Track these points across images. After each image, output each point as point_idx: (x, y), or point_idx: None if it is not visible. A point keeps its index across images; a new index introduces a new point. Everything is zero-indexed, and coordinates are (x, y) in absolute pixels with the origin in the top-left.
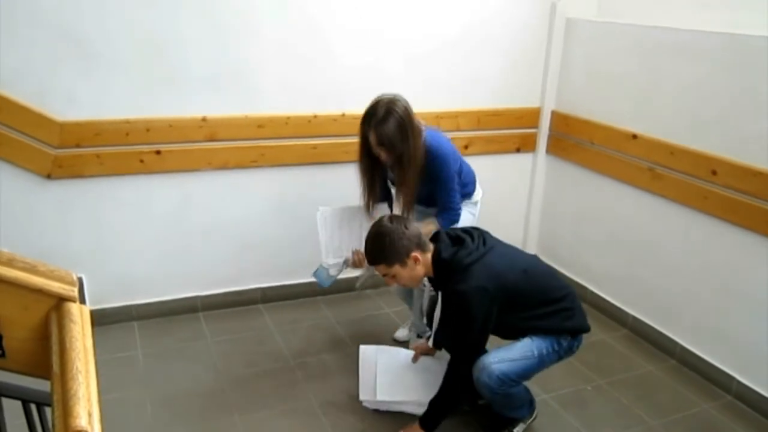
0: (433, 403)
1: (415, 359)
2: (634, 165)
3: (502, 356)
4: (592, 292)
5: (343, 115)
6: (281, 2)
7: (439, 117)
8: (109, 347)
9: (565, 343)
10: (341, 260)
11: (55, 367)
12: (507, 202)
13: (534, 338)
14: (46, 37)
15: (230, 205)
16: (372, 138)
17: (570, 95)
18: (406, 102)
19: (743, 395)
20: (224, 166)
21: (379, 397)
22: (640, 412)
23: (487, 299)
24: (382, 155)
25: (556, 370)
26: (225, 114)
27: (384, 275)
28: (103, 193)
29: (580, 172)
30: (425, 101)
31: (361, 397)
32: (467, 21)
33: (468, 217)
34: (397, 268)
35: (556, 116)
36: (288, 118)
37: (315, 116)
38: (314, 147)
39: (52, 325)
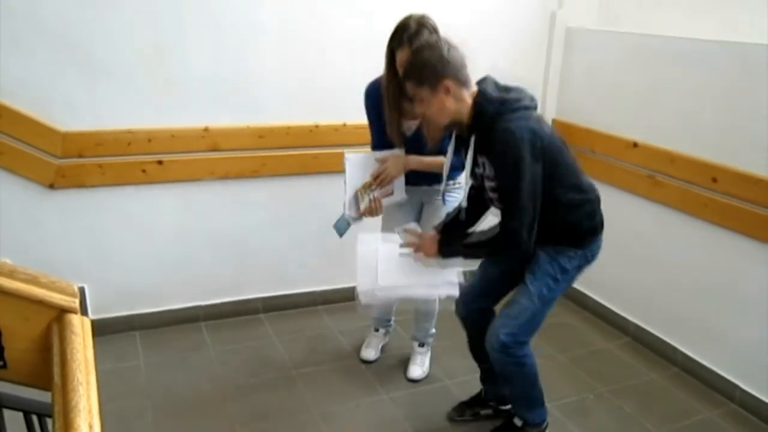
0: (469, 242)
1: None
2: (634, 173)
3: (503, 319)
4: (593, 300)
5: (344, 125)
6: (282, 14)
7: None
8: (111, 357)
9: (576, 260)
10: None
11: (56, 379)
12: None
13: (533, 279)
14: (48, 47)
15: (232, 215)
16: (405, 56)
17: (570, 104)
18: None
19: (746, 403)
20: (226, 176)
21: (381, 283)
22: (643, 420)
23: (538, 142)
24: None
25: (559, 378)
26: (227, 124)
27: (412, 97)
28: (105, 203)
29: None
30: None
31: (360, 288)
32: (466, 31)
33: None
34: (425, 92)
35: (557, 125)
36: (289, 128)
37: (316, 126)
38: (315, 157)
39: (54, 337)
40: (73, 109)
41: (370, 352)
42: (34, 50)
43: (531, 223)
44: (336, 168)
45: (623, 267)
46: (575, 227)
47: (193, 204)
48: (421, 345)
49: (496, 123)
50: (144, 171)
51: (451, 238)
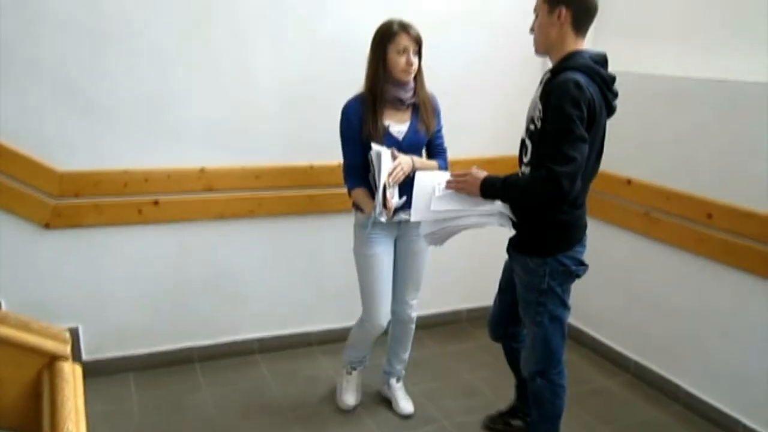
0: (510, 178)
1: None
2: (629, 210)
3: (525, 355)
4: (592, 338)
5: (340, 165)
6: (279, 55)
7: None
8: (105, 398)
9: (547, 277)
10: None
11: (47, 427)
12: (504, 246)
13: (523, 313)
14: (48, 88)
15: (227, 255)
16: (411, 40)
17: None
18: None
19: None
20: (221, 217)
21: (434, 207)
22: None
23: (596, 116)
24: (415, 61)
25: None
26: (223, 165)
27: (534, 10)
28: (100, 243)
29: None
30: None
31: (413, 218)
32: (458, 69)
33: None
34: (544, 8)
35: None
36: (285, 168)
37: (312, 166)
38: (311, 197)
39: (44, 384)
40: (71, 149)
41: (350, 398)
42: (34, 91)
43: (573, 173)
44: (332, 207)
45: (621, 304)
46: (543, 233)
47: (188, 244)
48: (398, 380)
49: (572, 74)
50: (140, 211)
51: (492, 176)
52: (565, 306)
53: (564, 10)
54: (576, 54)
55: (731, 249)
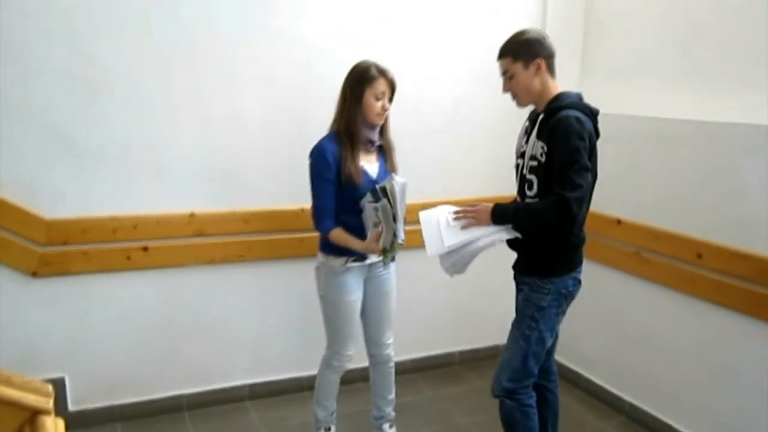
0: (519, 205)
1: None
2: (619, 250)
3: (499, 369)
4: (586, 378)
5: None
6: (269, 100)
7: (426, 207)
8: None
9: (549, 295)
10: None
11: None
12: (496, 289)
13: (516, 324)
14: (36, 136)
15: (217, 300)
16: (388, 86)
17: None
18: None
19: None
20: (211, 262)
21: (447, 243)
22: None
23: (592, 149)
24: (387, 105)
25: None
26: (212, 209)
27: (504, 73)
28: (88, 291)
29: None
30: (413, 192)
31: (429, 254)
32: (450, 112)
33: None
34: (518, 67)
35: None
36: (274, 212)
37: (302, 210)
38: (301, 240)
39: None
40: (60, 196)
41: None
42: (22, 139)
43: (581, 198)
44: None
45: (614, 344)
46: (555, 254)
47: (178, 290)
48: (391, 425)
49: (569, 111)
50: (129, 257)
51: (503, 204)
52: (552, 331)
53: (540, 61)
54: (563, 95)
55: (723, 289)
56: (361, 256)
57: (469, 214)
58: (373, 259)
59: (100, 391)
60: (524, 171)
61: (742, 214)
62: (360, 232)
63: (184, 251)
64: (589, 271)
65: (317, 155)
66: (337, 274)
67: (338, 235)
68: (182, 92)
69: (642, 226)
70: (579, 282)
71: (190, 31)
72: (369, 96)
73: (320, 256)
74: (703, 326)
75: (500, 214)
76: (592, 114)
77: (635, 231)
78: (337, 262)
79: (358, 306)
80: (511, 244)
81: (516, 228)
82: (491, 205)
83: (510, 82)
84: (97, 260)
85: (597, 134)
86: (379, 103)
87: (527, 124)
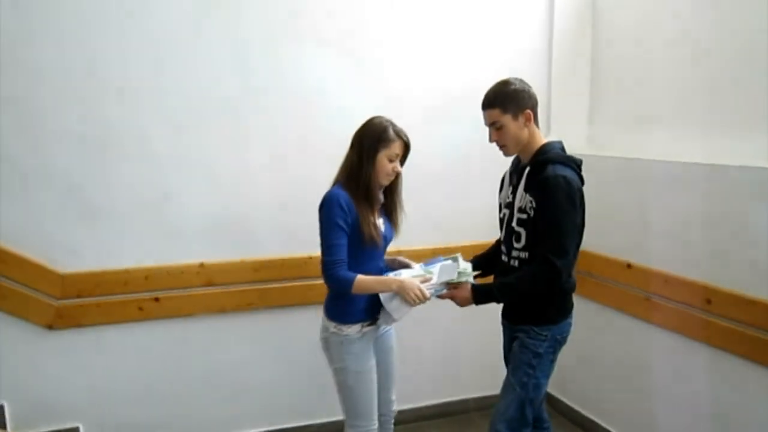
0: (500, 281)
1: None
2: (630, 294)
3: (496, 415)
4: (595, 423)
5: None
6: (274, 151)
7: (436, 252)
8: None
9: (546, 342)
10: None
11: None
12: None
13: (512, 371)
14: (50, 193)
15: (228, 349)
16: (402, 148)
17: None
18: None
19: None
20: (222, 311)
21: (397, 317)
22: None
23: (578, 199)
24: (399, 168)
25: None
26: (222, 259)
27: (491, 124)
28: (102, 342)
29: (580, 303)
30: (421, 237)
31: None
32: (453, 156)
33: None
34: (507, 119)
35: None
36: (284, 260)
37: (310, 257)
38: (311, 288)
39: None
40: (74, 251)
41: None
42: (38, 197)
43: (570, 264)
44: None
45: (623, 389)
46: (550, 301)
47: (189, 339)
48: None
49: (555, 168)
50: (141, 309)
51: (483, 285)
52: (548, 378)
53: (528, 112)
54: (548, 146)
55: (733, 336)
56: (374, 320)
57: (446, 297)
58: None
59: None
60: (512, 223)
61: (753, 260)
62: (371, 298)
63: (194, 301)
64: (600, 315)
65: (330, 203)
66: (353, 342)
67: (365, 282)
68: (191, 149)
69: (652, 270)
70: (571, 326)
71: (198, 90)
72: (383, 156)
73: (330, 326)
74: (715, 374)
75: (483, 295)
76: (577, 166)
77: (645, 275)
78: (353, 329)
79: (375, 371)
80: None
81: (505, 302)
82: (469, 287)
83: (498, 132)
84: (109, 312)
85: (583, 183)
86: (391, 165)
87: (511, 174)
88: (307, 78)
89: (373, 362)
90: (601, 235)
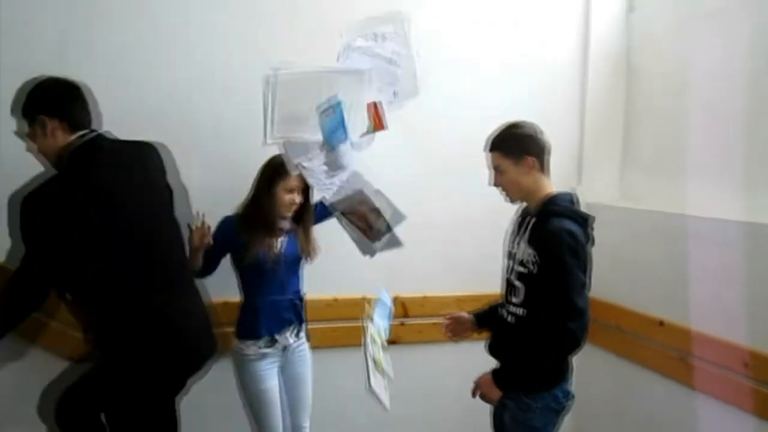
0: (516, 362)
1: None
2: (664, 353)
3: None
4: None
5: (365, 298)
6: None
7: (460, 300)
8: None
9: (538, 413)
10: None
11: None
12: None
13: None
14: None
15: None
16: (300, 181)
17: (596, 279)
18: None
19: None
20: None
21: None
22: None
23: (585, 253)
24: (299, 199)
25: None
26: None
27: (494, 168)
28: None
29: (609, 359)
30: (442, 284)
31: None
32: (480, 204)
33: None
34: (509, 164)
35: None
36: (309, 301)
37: (335, 299)
38: (334, 330)
39: None
40: None
41: None
42: None
43: (586, 324)
44: (356, 341)
45: None
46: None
47: None
48: None
49: (561, 221)
50: None
51: (501, 370)
52: None
53: (530, 158)
54: (555, 198)
55: None
56: (272, 341)
57: (475, 392)
58: (287, 341)
59: None
60: (511, 275)
61: None
62: (268, 312)
63: None
64: (632, 375)
65: (227, 225)
66: (252, 361)
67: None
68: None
69: (685, 328)
70: (571, 395)
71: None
72: (280, 189)
73: (234, 342)
74: None
75: (506, 380)
76: (585, 221)
77: (679, 334)
78: (251, 350)
79: (277, 395)
80: (493, 351)
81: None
82: (489, 374)
83: (500, 176)
84: None
85: (591, 241)
86: (289, 197)
87: (518, 222)
88: None
89: (272, 383)
90: (633, 289)
